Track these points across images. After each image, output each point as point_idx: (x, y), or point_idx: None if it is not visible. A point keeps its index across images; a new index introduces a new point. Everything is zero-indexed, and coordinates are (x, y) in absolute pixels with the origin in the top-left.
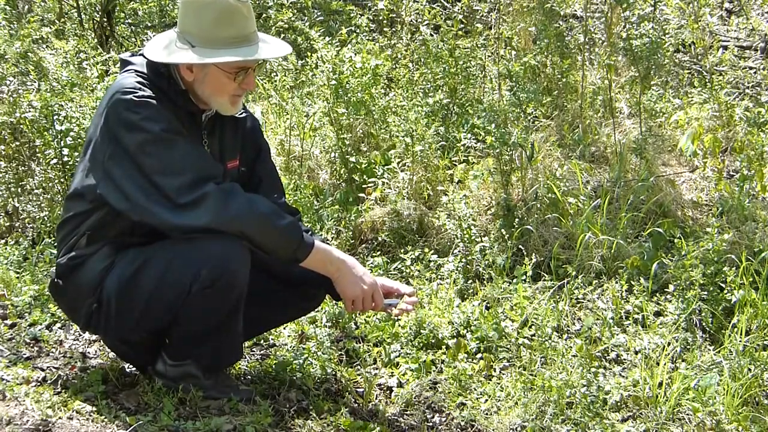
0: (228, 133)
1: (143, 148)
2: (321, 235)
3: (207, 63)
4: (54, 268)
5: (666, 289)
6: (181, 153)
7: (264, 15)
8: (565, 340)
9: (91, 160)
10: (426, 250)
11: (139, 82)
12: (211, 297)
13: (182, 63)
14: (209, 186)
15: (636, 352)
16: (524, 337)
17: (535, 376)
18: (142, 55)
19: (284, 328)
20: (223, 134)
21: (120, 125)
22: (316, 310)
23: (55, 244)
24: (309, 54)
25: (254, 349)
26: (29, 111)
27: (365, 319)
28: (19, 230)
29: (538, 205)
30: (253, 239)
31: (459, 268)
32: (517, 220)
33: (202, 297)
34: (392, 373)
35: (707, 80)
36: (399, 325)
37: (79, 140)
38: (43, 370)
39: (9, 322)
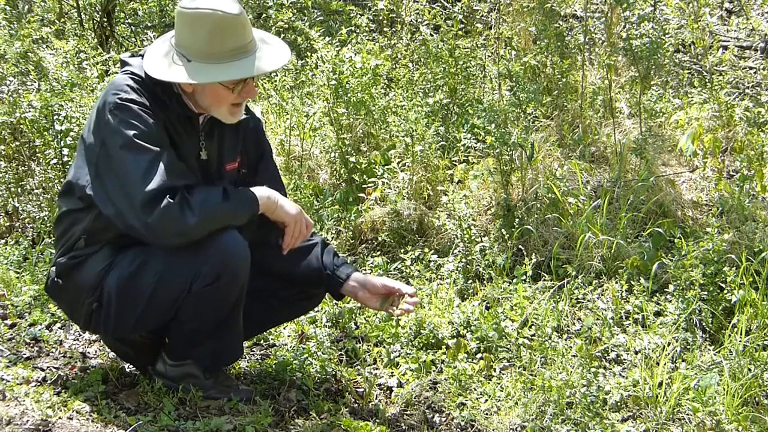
0: (228, 134)
1: (119, 152)
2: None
3: (203, 83)
4: (53, 267)
5: (666, 289)
6: (146, 163)
7: (264, 15)
8: (565, 340)
9: (86, 159)
10: (426, 250)
11: (129, 85)
12: (212, 295)
13: (179, 82)
14: (164, 204)
15: (636, 352)
16: (524, 337)
17: (535, 376)
18: (141, 56)
19: (284, 328)
20: (223, 136)
21: (105, 127)
22: (315, 310)
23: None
24: (309, 54)
25: (254, 349)
26: (29, 111)
27: (365, 319)
28: (19, 230)
29: (538, 205)
30: (219, 227)
31: (459, 268)
32: (517, 220)
33: (203, 295)
34: (392, 373)
35: (707, 80)
36: (399, 325)
37: None
38: (43, 370)
39: (9, 322)
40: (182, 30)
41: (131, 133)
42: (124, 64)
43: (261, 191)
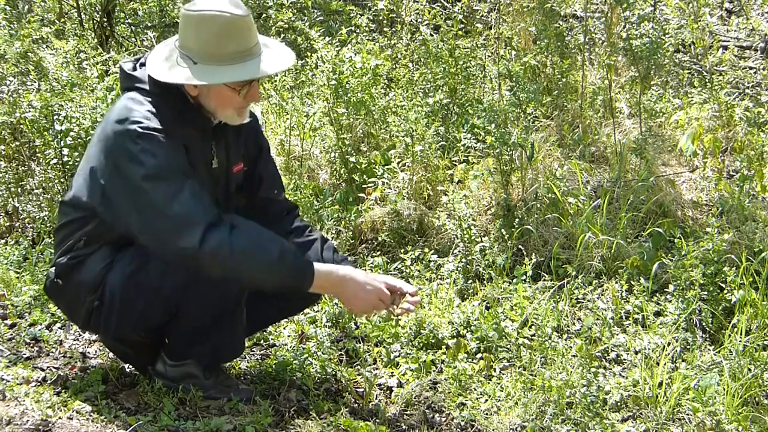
0: (231, 136)
1: (140, 182)
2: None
3: (211, 84)
4: (53, 268)
5: (666, 289)
6: (171, 194)
7: (264, 15)
8: (565, 340)
9: (92, 177)
10: (426, 250)
11: (149, 110)
12: (213, 292)
13: (185, 84)
14: (195, 238)
15: (636, 352)
16: (524, 337)
17: (535, 376)
18: (143, 64)
19: (284, 328)
20: (228, 139)
21: (122, 154)
22: (315, 309)
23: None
24: (309, 54)
25: (254, 349)
26: (29, 111)
27: (365, 319)
28: (19, 230)
29: (538, 205)
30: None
31: (459, 268)
32: (517, 220)
33: (204, 293)
34: (392, 373)
35: (707, 80)
36: (399, 325)
37: (79, 140)
38: (43, 370)
39: (9, 322)
40: (187, 32)
41: (154, 161)
42: (130, 78)
43: (325, 269)
